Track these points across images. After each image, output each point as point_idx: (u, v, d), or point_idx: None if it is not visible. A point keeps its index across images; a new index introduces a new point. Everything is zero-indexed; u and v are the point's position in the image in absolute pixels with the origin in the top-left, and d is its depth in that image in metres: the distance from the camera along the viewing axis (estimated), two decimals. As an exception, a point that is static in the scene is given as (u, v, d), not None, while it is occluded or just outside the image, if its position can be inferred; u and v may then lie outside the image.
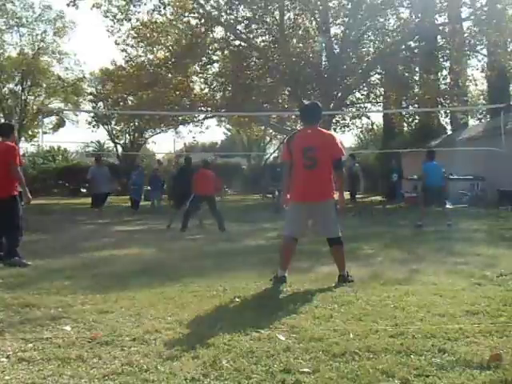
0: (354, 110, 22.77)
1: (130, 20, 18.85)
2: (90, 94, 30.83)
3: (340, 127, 22.99)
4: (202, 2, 18.51)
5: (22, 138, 31.09)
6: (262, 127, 28.56)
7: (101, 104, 29.86)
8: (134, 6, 18.47)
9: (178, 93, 19.79)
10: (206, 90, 21.62)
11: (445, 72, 20.25)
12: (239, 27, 19.25)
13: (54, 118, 34.11)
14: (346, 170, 11.80)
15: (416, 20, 18.03)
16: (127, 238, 8.63)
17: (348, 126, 23.03)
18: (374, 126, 26.01)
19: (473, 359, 2.56)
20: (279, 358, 2.64)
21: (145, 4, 18.87)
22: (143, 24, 19.09)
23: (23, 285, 4.61)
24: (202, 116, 21.69)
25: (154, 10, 18.53)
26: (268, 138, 41.96)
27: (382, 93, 21.25)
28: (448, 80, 20.19)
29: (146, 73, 19.28)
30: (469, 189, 17.19)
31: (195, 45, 18.30)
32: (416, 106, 21.19)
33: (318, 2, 16.95)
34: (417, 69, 20.44)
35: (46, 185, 31.62)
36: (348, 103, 21.94)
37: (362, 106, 22.60)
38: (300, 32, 19.94)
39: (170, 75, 19.65)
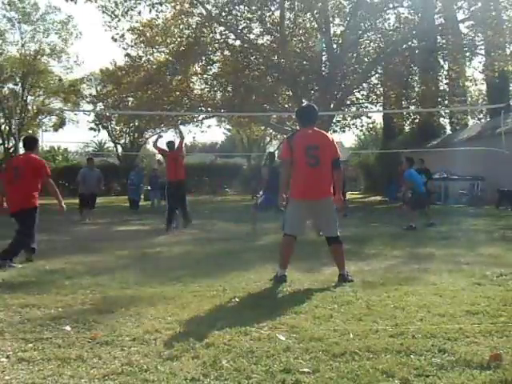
0: (354, 109, 22.77)
1: (127, 13, 18.19)
2: (90, 95, 30.78)
3: (340, 127, 23.01)
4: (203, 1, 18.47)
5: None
6: (262, 127, 28.53)
7: (100, 105, 29.80)
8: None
9: (178, 93, 19.80)
10: (206, 90, 21.61)
11: (445, 72, 20.25)
12: (239, 27, 19.24)
13: (54, 118, 34.18)
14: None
15: (416, 20, 18.03)
16: (127, 238, 8.62)
17: (348, 126, 23.06)
18: (376, 125, 26.05)
19: (473, 359, 2.56)
20: (279, 358, 2.64)
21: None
22: (143, 24, 19.05)
23: (23, 285, 4.60)
24: (201, 116, 21.69)
25: (152, 6, 18.08)
26: (268, 138, 41.93)
27: (382, 93, 21.26)
28: (448, 80, 20.17)
29: (146, 73, 19.27)
30: (469, 189, 17.20)
31: (195, 45, 18.26)
32: (416, 106, 21.20)
33: (319, 4, 16.91)
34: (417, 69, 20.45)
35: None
36: (348, 103, 21.94)
37: (362, 105, 22.59)
38: (300, 32, 19.96)
39: (169, 76, 19.64)
